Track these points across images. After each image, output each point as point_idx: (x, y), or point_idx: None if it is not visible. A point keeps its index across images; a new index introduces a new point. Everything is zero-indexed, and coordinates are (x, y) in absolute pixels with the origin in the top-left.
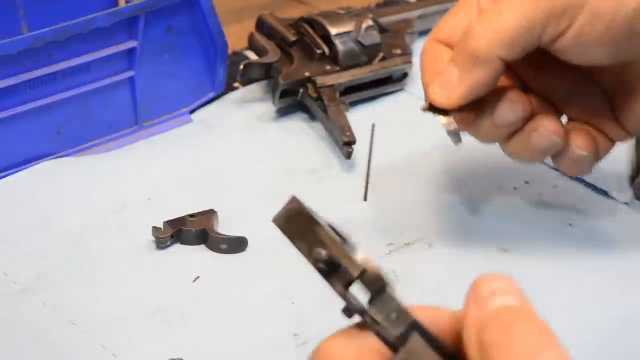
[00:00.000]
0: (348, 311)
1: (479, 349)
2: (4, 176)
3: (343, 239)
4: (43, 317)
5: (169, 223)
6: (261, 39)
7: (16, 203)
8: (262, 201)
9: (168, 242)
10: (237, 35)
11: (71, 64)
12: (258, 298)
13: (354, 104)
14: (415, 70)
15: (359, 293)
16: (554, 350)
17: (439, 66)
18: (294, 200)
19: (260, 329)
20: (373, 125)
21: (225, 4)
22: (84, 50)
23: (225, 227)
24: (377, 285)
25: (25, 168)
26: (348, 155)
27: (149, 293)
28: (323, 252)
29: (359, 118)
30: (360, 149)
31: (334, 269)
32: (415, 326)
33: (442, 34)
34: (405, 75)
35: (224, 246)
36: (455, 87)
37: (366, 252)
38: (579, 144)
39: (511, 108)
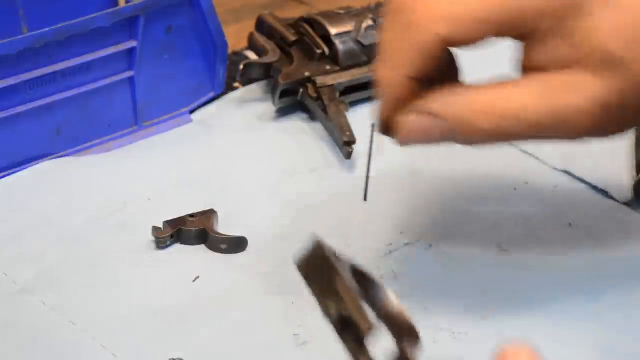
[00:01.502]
0: None
1: None
2: (4, 176)
3: (367, 281)
4: (43, 317)
5: (169, 223)
6: (261, 39)
7: (16, 203)
8: (262, 201)
9: (168, 242)
10: (237, 35)
11: (71, 64)
12: (258, 298)
13: (354, 104)
14: None
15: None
16: None
17: None
18: (316, 243)
19: (260, 329)
20: (373, 125)
21: (225, 4)
22: (84, 50)
23: (225, 227)
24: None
25: (25, 168)
26: (348, 155)
27: (149, 293)
28: (334, 308)
29: (359, 118)
30: (360, 149)
31: (347, 324)
32: None
33: None
34: None
35: (224, 246)
36: None
37: (393, 296)
38: None
39: None
